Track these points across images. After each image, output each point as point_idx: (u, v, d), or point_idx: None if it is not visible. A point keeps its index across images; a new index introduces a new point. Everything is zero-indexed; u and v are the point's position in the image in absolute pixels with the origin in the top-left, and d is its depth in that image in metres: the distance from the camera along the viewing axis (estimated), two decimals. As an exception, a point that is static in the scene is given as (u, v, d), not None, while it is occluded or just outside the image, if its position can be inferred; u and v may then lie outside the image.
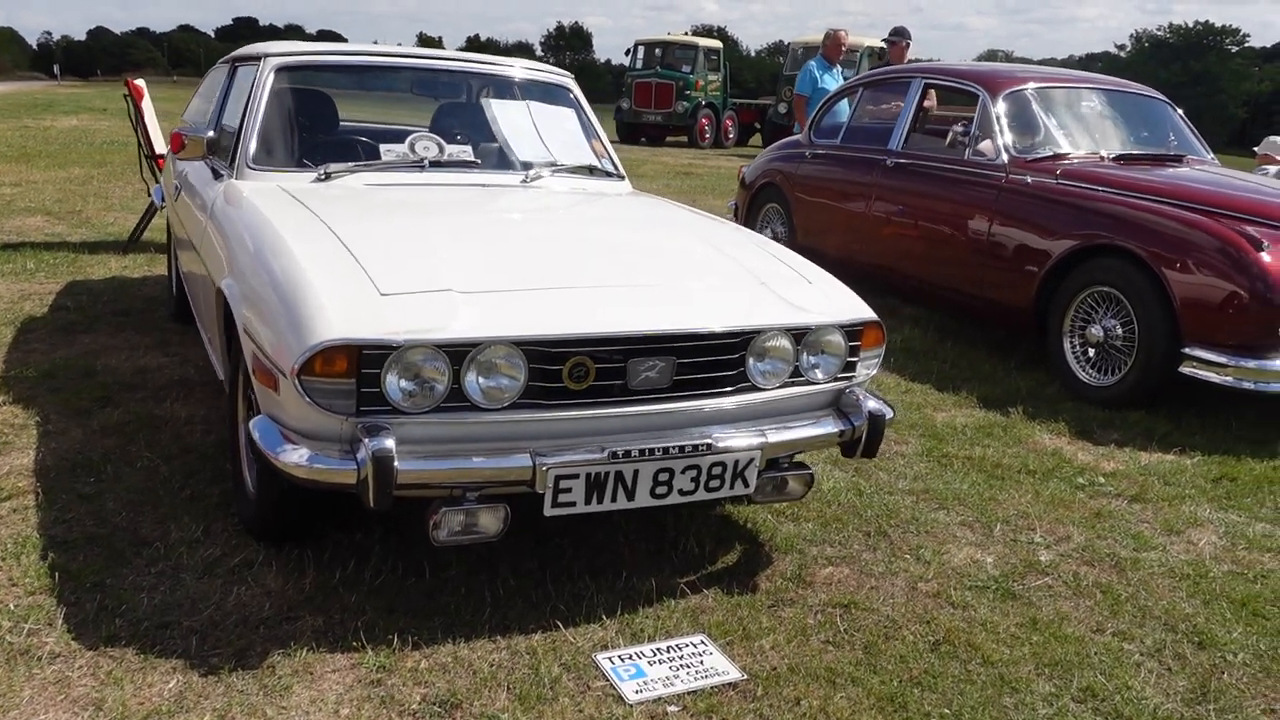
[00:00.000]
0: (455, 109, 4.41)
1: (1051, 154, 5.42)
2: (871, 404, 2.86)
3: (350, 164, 3.58)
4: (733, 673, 2.44)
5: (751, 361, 2.70)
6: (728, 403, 2.67)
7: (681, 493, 2.61)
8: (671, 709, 2.29)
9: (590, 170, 4.08)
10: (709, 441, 2.58)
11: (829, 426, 2.84)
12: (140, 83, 7.06)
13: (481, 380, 2.41)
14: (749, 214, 7.61)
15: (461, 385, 2.40)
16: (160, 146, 6.90)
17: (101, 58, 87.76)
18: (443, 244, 2.89)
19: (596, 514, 2.58)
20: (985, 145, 5.58)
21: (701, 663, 2.47)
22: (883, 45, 9.94)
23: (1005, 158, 5.44)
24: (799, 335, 2.76)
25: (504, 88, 4.32)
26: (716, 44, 25.80)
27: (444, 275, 2.59)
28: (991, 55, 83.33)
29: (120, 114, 7.27)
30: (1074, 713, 2.38)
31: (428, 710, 2.24)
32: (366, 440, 2.30)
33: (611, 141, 4.34)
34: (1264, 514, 3.61)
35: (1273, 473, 3.98)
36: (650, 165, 16.77)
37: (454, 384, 2.39)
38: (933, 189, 5.84)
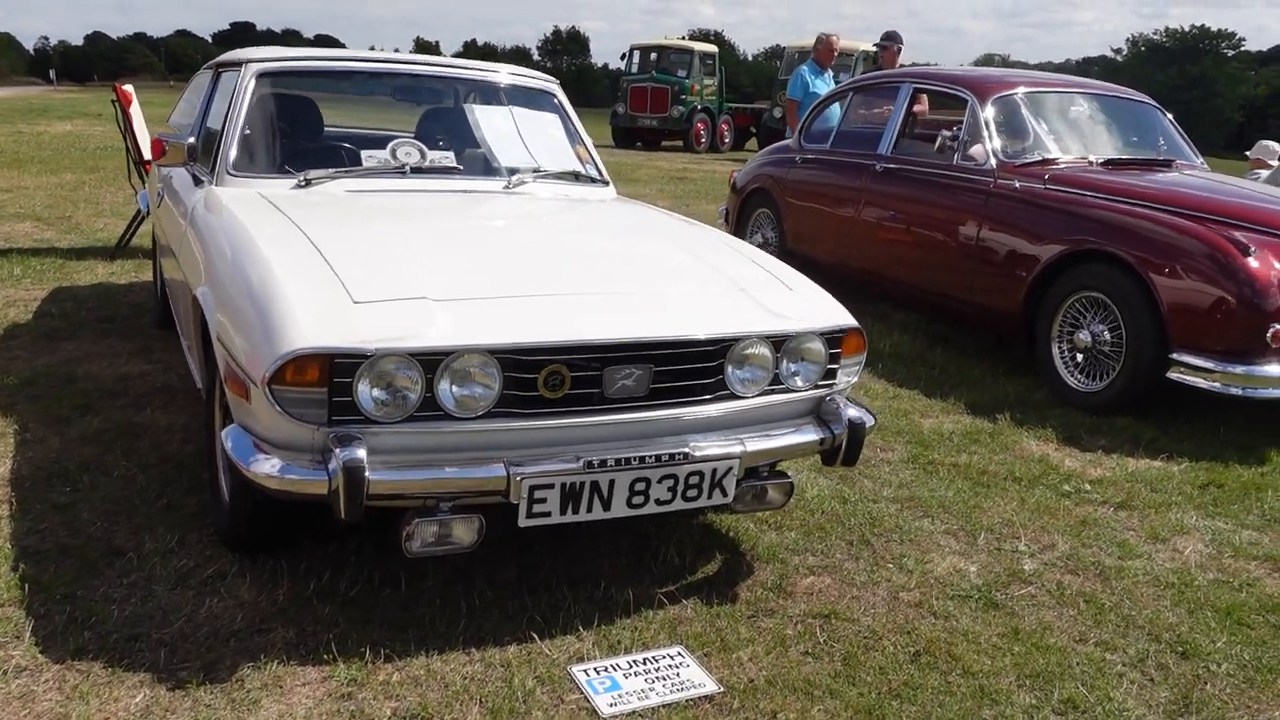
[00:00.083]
0: (440, 114, 4.38)
1: (1040, 159, 5.40)
2: (852, 412, 2.83)
3: (331, 170, 3.56)
4: (709, 685, 2.41)
5: (730, 369, 2.67)
6: (706, 411, 2.65)
7: (658, 502, 2.58)
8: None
9: (575, 176, 4.05)
10: (686, 450, 2.56)
11: (809, 435, 2.81)
12: (129, 88, 7.03)
13: (455, 389, 2.39)
14: (740, 219, 7.58)
15: (435, 394, 2.37)
16: (149, 152, 6.86)
17: (98, 63, 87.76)
18: (420, 251, 2.87)
19: (575, 524, 2.55)
20: (974, 150, 5.56)
21: (678, 675, 2.44)
22: (877, 50, 9.93)
23: (994, 162, 5.42)
24: (778, 342, 2.73)
25: (488, 93, 4.30)
26: (712, 48, 25.82)
27: (419, 283, 2.57)
28: (988, 59, 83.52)
29: (114, 119, 7.23)
30: (1054, 725, 2.35)
31: (398, 724, 2.21)
32: (338, 450, 2.27)
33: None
34: (1251, 521, 3.59)
35: (1260, 479, 3.96)
36: (645, 170, 16.76)
37: (427, 393, 2.36)
38: (922, 194, 5.82)
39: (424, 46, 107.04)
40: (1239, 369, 4.27)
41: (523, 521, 2.45)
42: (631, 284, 2.87)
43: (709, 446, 2.60)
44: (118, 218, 8.35)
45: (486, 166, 3.94)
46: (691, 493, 2.61)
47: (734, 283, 2.91)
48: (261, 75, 3.75)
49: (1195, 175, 5.56)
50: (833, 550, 3.16)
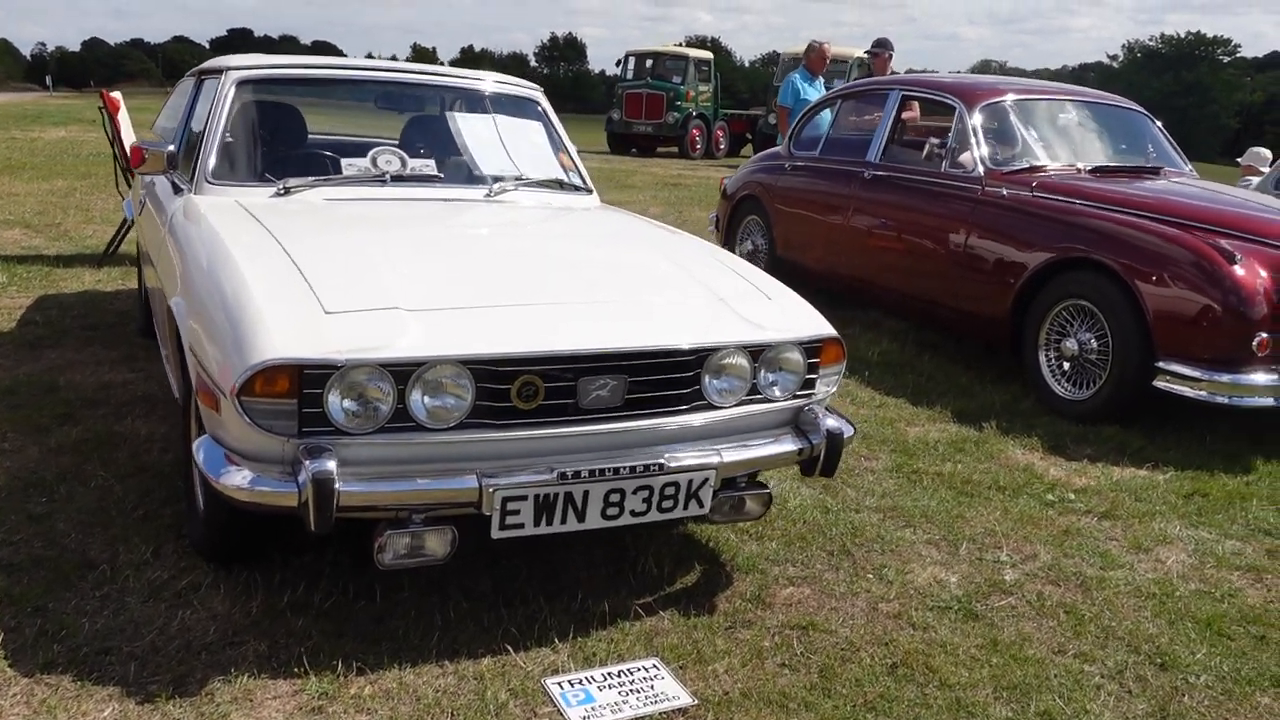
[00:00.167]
0: (425, 122, 4.37)
1: (1028, 166, 5.40)
2: (830, 422, 2.82)
3: (310, 179, 3.54)
4: (683, 698, 2.39)
5: (707, 379, 2.66)
6: (682, 421, 2.63)
7: (634, 514, 2.56)
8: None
9: (559, 184, 4.04)
10: (661, 462, 2.54)
11: (787, 445, 2.79)
12: (116, 95, 7.01)
13: (427, 400, 2.37)
14: (730, 226, 7.58)
15: (407, 405, 2.35)
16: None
17: (95, 68, 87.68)
18: (396, 260, 2.85)
19: (553, 534, 2.53)
20: (962, 158, 5.55)
21: (652, 687, 2.43)
22: (868, 56, 9.92)
23: (981, 170, 5.41)
24: (756, 352, 2.72)
25: (472, 101, 4.29)
26: (707, 55, 25.86)
27: (393, 292, 2.55)
28: (984, 66, 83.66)
29: (102, 125, 7.22)
30: (1030, 738, 2.34)
31: (367, 739, 2.19)
32: (307, 462, 2.26)
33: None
34: (1235, 530, 3.57)
35: (1245, 488, 3.95)
36: (640, 176, 16.77)
37: (399, 404, 2.35)
38: (910, 201, 5.82)
39: (421, 52, 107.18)
40: (1225, 377, 4.26)
41: (496, 533, 2.44)
42: (608, 293, 2.85)
43: (684, 457, 2.59)
44: (108, 225, 8.33)
45: (468, 174, 3.93)
46: (667, 504, 2.59)
47: (713, 292, 2.90)
48: (241, 83, 3.74)
49: (1183, 183, 5.56)
50: (813, 560, 3.14)
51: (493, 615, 2.69)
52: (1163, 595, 3.04)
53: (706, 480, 2.61)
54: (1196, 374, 4.28)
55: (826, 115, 7.09)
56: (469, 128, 4.15)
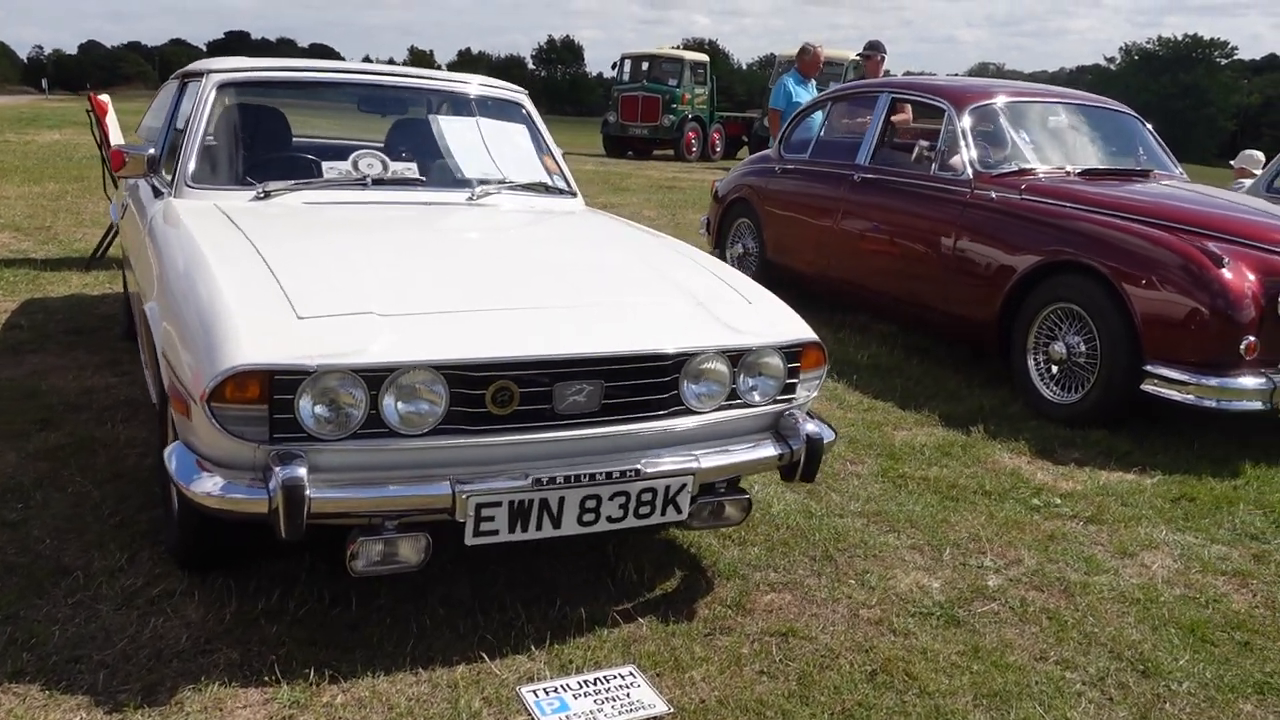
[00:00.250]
0: (409, 125, 4.35)
1: (1017, 169, 5.38)
2: (810, 427, 2.79)
3: (290, 182, 3.51)
4: (659, 706, 2.37)
5: (686, 384, 2.63)
6: (660, 427, 2.61)
7: (610, 520, 2.54)
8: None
9: (543, 188, 4.02)
10: (638, 467, 2.52)
11: (767, 450, 2.77)
12: (104, 98, 6.98)
13: (400, 405, 2.35)
14: (721, 229, 7.56)
15: (379, 411, 2.33)
16: (120, 163, 6.81)
17: (92, 71, 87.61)
18: (372, 265, 2.83)
19: (532, 540, 2.51)
20: (951, 160, 5.54)
21: (628, 696, 2.40)
22: (860, 59, 9.91)
23: (970, 173, 5.40)
24: (735, 357, 2.70)
25: (456, 104, 4.27)
26: (703, 58, 25.85)
27: (366, 297, 2.53)
28: (982, 68, 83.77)
29: (89, 129, 7.19)
30: (1008, 747, 2.31)
31: (337, 748, 2.17)
32: (278, 469, 2.23)
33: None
34: (1221, 535, 3.55)
35: (1232, 492, 3.93)
36: (635, 179, 16.75)
37: (371, 409, 2.32)
38: (899, 204, 5.80)
39: (418, 55, 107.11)
40: (1213, 381, 4.24)
41: (469, 540, 2.41)
42: (586, 297, 2.83)
43: (662, 463, 2.56)
44: (98, 228, 8.29)
45: (451, 178, 3.91)
46: (644, 510, 2.57)
47: (692, 296, 2.88)
48: (222, 86, 3.72)
49: (1173, 186, 5.54)
50: (795, 566, 3.12)
51: (469, 622, 2.66)
52: (1147, 601, 3.02)
53: (684, 486, 2.58)
54: (1184, 378, 4.26)
55: (817, 118, 7.07)
56: (453, 131, 4.13)
